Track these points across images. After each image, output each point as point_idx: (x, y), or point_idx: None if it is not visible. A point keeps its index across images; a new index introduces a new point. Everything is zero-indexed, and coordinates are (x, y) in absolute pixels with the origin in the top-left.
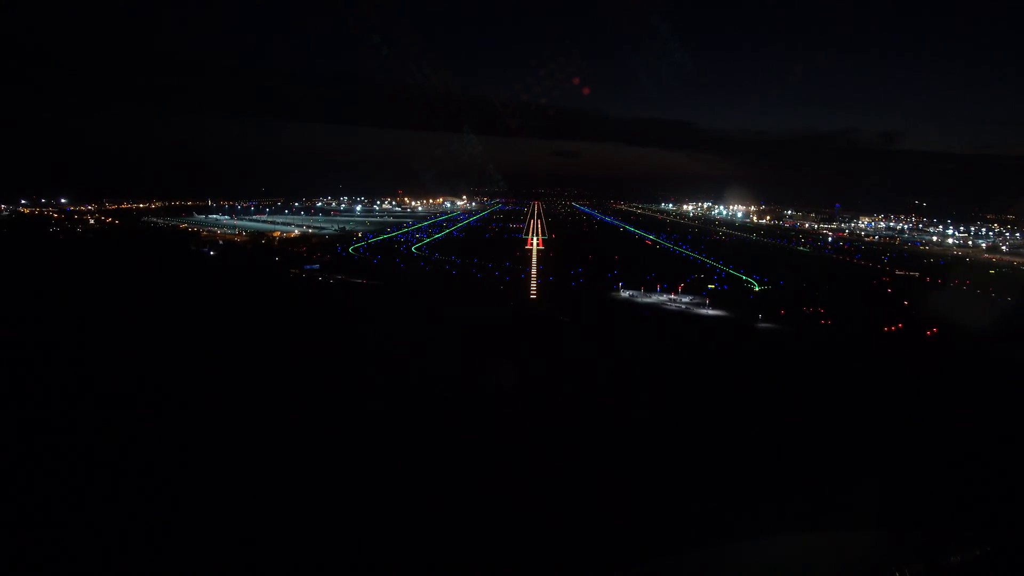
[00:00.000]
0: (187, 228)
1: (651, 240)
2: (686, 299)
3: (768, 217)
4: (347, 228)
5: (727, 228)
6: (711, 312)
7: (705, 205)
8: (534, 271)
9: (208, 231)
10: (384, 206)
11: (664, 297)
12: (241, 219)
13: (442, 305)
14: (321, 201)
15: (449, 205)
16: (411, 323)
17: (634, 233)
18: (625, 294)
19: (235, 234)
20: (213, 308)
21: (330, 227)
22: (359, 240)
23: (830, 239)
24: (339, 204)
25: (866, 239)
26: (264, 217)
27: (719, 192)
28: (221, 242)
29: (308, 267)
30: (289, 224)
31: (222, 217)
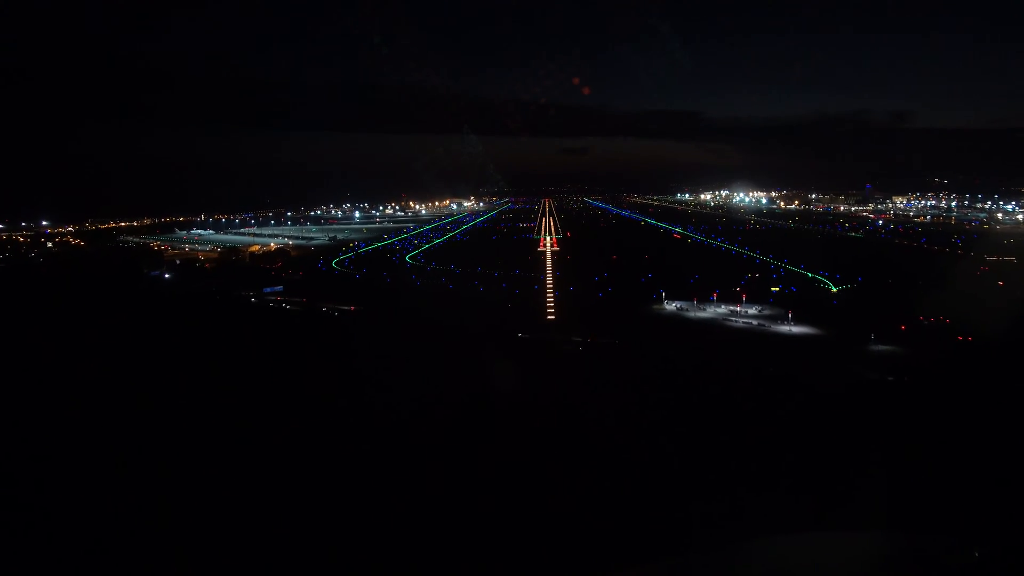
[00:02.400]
0: (157, 247)
1: (679, 233)
2: (753, 310)
3: (796, 202)
4: (339, 237)
5: (756, 216)
6: (796, 330)
7: (723, 193)
8: (550, 280)
9: (178, 249)
10: (387, 211)
11: (723, 309)
12: (227, 233)
13: (431, 335)
14: (320, 209)
15: (455, 207)
16: (379, 371)
17: (658, 226)
18: (671, 306)
19: (207, 251)
20: (112, 351)
21: (321, 237)
22: (348, 251)
23: (880, 222)
24: (338, 212)
25: (916, 219)
26: (253, 229)
27: (732, 181)
28: (179, 262)
29: (268, 289)
30: (277, 236)
31: (206, 232)
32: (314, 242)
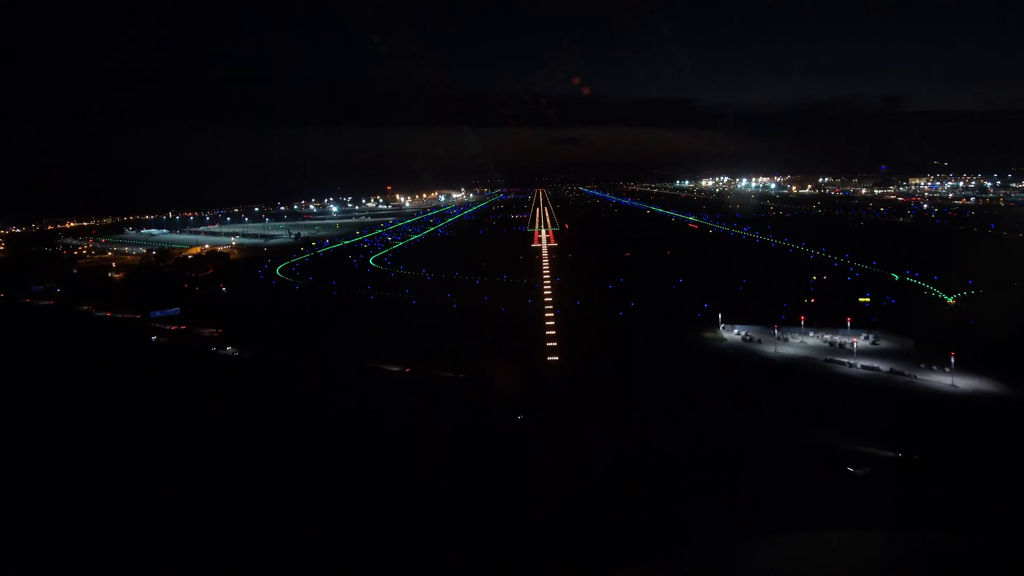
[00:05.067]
0: (82, 251)
1: (695, 223)
2: (863, 341)
3: (809, 186)
4: (303, 235)
5: (771, 201)
6: (964, 384)
7: (725, 179)
8: (549, 287)
9: (106, 252)
10: (369, 205)
11: (814, 338)
12: (181, 232)
13: (359, 399)
14: (296, 204)
15: (443, 199)
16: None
17: (668, 215)
18: (732, 334)
19: (134, 255)
20: None
21: (284, 235)
22: (306, 251)
23: (925, 206)
24: (313, 206)
25: (957, 203)
26: (214, 227)
27: (729, 167)
28: (76, 271)
29: (158, 313)
30: (235, 234)
31: (158, 231)
32: (273, 241)
